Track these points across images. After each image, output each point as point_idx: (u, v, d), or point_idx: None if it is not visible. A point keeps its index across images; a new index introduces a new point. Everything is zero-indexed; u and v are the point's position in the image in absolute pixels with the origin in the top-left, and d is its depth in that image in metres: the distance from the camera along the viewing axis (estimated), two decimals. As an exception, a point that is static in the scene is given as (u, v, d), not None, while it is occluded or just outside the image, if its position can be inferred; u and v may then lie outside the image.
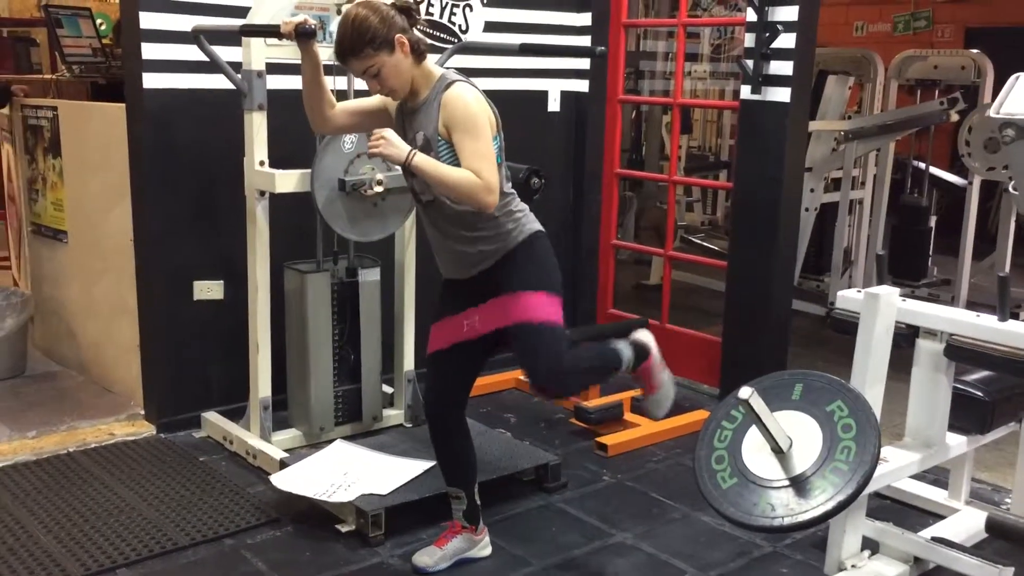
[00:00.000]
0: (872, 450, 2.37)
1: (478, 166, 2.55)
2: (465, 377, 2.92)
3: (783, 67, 4.04)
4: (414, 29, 2.67)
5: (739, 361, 4.38)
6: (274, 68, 3.51)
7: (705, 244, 7.29)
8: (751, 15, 4.08)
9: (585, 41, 4.82)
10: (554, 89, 4.85)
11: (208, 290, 3.91)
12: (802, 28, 3.99)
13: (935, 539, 2.93)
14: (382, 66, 2.60)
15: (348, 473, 3.34)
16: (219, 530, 3.12)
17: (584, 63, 4.86)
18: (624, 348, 2.92)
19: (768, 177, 4.15)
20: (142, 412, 4.01)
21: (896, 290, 2.80)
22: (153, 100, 3.69)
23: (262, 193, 3.53)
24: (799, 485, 2.40)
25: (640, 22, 6.83)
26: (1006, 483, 3.59)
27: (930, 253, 6.52)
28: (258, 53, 3.42)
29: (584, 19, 4.82)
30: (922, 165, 6.76)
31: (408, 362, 4.04)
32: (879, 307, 2.76)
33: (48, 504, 3.26)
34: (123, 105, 3.87)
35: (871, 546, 2.98)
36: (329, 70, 3.65)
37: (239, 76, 3.45)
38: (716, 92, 8.82)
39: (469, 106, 2.59)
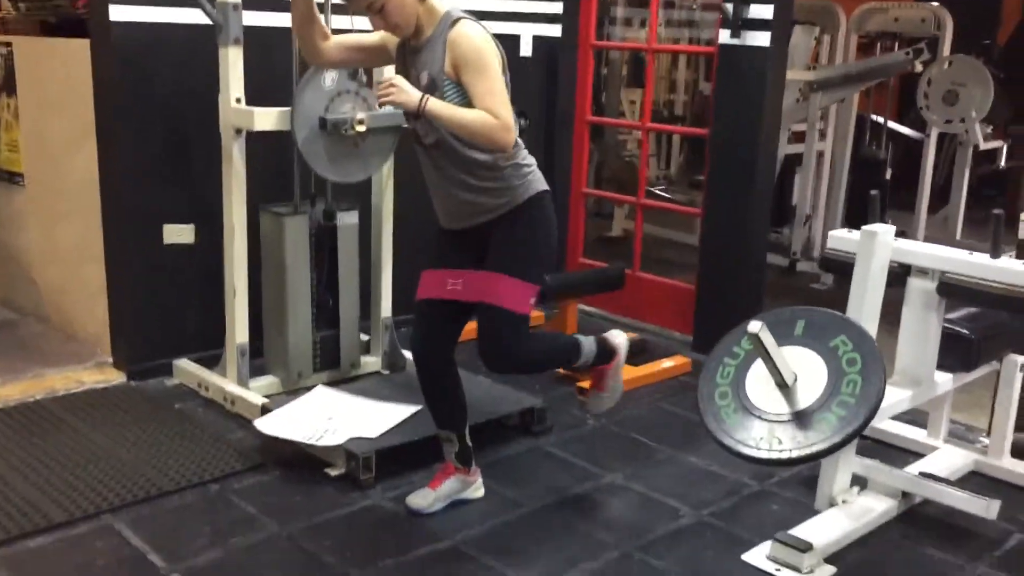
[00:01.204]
0: (878, 383, 2.40)
1: (492, 105, 2.50)
2: (452, 325, 2.88)
3: (763, 11, 4.03)
4: None
5: (714, 309, 4.40)
6: (248, 3, 3.38)
7: (665, 195, 7.29)
8: (731, -42, 4.05)
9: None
10: (526, 34, 4.77)
11: (179, 234, 3.79)
12: (783, -29, 3.98)
13: (923, 474, 2.98)
14: (386, 1, 2.52)
15: (333, 418, 3.28)
16: (204, 476, 3.05)
17: (557, 7, 4.79)
18: (588, 344, 2.96)
19: (746, 124, 4.15)
20: (110, 360, 3.89)
21: (892, 228, 2.82)
22: (120, 34, 3.53)
23: (239, 132, 3.41)
24: (806, 418, 2.41)
25: None
26: (978, 423, 3.66)
27: (887, 205, 6.63)
28: (234, -16, 3.30)
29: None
30: (880, 119, 6.85)
31: (386, 308, 3.97)
32: (876, 245, 2.78)
33: (21, 452, 3.14)
34: (86, 41, 3.70)
35: (859, 483, 3.02)
36: (322, 9, 3.56)
37: (214, 9, 3.32)
38: (671, 42, 8.77)
39: (478, 44, 2.53)
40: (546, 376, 4.06)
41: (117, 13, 3.50)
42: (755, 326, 2.39)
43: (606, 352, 3.03)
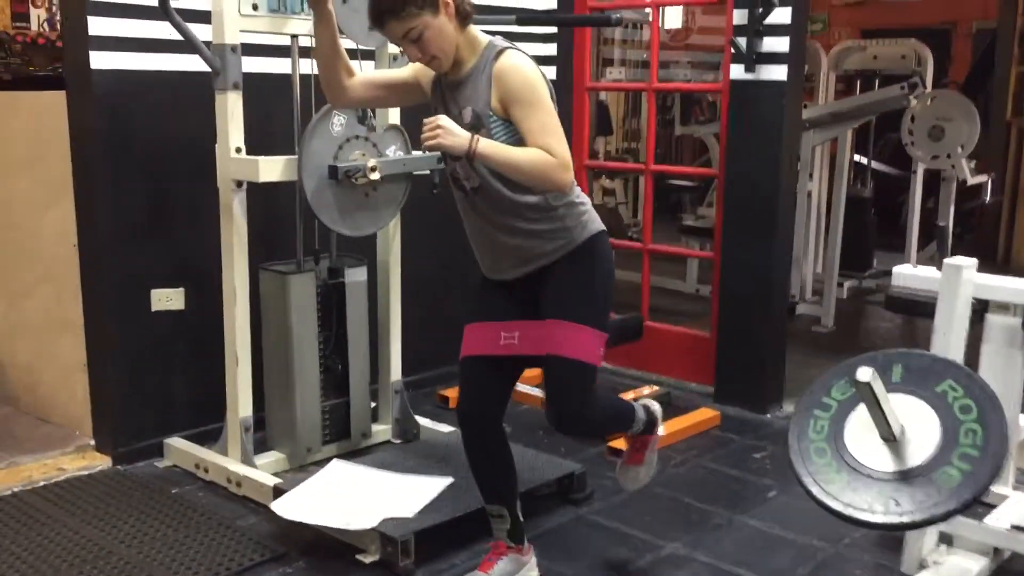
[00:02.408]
0: (1001, 430, 2.15)
1: (548, 142, 2.25)
2: (504, 383, 2.59)
3: (778, 44, 3.86)
4: None
5: (736, 358, 4.17)
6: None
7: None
8: (742, -10, 3.89)
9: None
10: (521, 77, 4.54)
11: (168, 299, 3.45)
12: (797, 2, 3.82)
13: (1016, 527, 2.75)
14: (425, 28, 2.27)
15: (359, 496, 2.95)
16: (219, 570, 2.68)
17: (551, 50, 4.58)
18: (640, 411, 2.75)
19: (765, 162, 3.96)
20: (92, 442, 3.50)
21: (975, 261, 2.62)
22: (102, 82, 3.21)
23: (239, 184, 3.11)
24: (924, 475, 2.16)
25: (609, 4, 6.22)
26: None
27: (873, 244, 6.52)
28: (231, 25, 3.01)
29: (549, 1, 4.54)
30: (863, 159, 6.78)
31: (395, 371, 3.66)
32: (961, 280, 2.56)
33: (3, 554, 2.74)
34: (59, 92, 3.37)
35: (944, 540, 2.78)
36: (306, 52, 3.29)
37: (210, 52, 3.02)
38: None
39: (530, 76, 2.29)
40: (565, 438, 3.76)
41: (99, 61, 3.18)
42: (865, 374, 2.13)
43: (650, 420, 2.79)
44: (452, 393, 4.14)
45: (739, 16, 3.93)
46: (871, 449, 2.25)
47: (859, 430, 2.29)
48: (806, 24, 3.95)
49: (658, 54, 4.35)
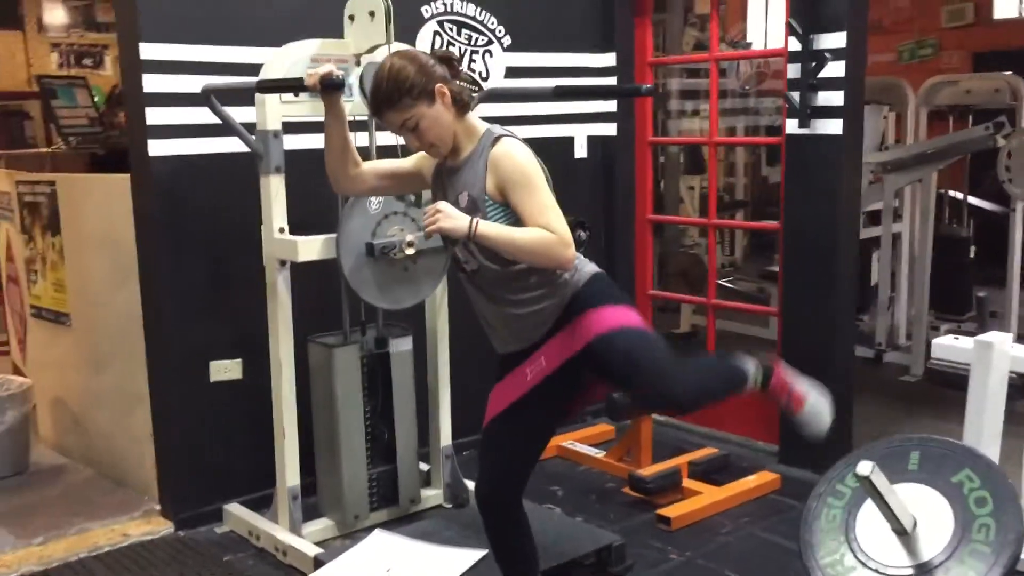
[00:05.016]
0: (1017, 527, 2.05)
1: (547, 220, 2.29)
2: (526, 451, 2.60)
3: (833, 97, 3.77)
4: (456, 80, 2.40)
5: (800, 415, 4.05)
6: (288, 127, 3.23)
7: (735, 287, 6.96)
8: (794, 44, 3.82)
9: (610, 82, 4.55)
10: (580, 135, 4.57)
11: (226, 370, 3.60)
12: (851, 54, 3.73)
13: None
14: (421, 118, 2.34)
15: (392, 569, 3.00)
16: (254, 644, 2.78)
17: (611, 106, 4.59)
18: (747, 361, 2.61)
19: (822, 216, 3.86)
20: (158, 507, 3.67)
21: (1009, 336, 2.50)
22: (160, 168, 3.40)
23: (283, 263, 3.23)
24: (930, 573, 2.07)
25: (668, 60, 6.26)
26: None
27: (972, 283, 6.22)
28: (273, 111, 3.15)
29: (608, 60, 4.56)
30: (956, 194, 6.50)
31: (445, 436, 3.71)
32: (992, 356, 2.45)
33: (60, 623, 2.92)
34: (127, 176, 3.58)
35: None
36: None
37: (253, 138, 3.17)
38: (724, 131, 8.53)
39: (522, 162, 2.35)
40: (617, 502, 3.75)
41: (156, 148, 3.37)
42: (865, 467, 2.07)
43: (761, 363, 2.66)
44: (510, 455, 4.17)
45: (793, 71, 3.86)
46: (884, 542, 2.18)
47: (872, 521, 2.22)
48: (863, 76, 3.83)
49: (717, 108, 4.28)
